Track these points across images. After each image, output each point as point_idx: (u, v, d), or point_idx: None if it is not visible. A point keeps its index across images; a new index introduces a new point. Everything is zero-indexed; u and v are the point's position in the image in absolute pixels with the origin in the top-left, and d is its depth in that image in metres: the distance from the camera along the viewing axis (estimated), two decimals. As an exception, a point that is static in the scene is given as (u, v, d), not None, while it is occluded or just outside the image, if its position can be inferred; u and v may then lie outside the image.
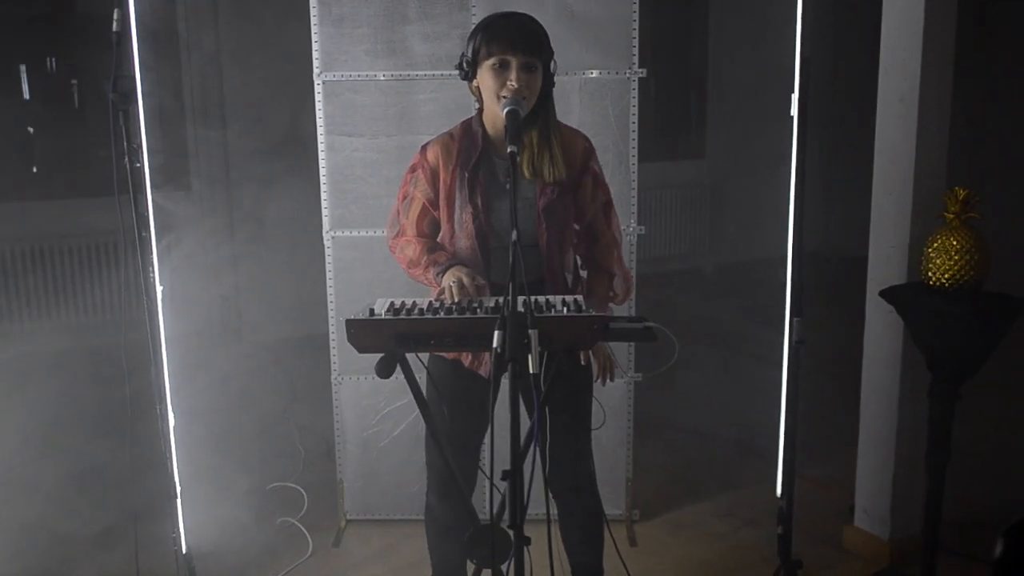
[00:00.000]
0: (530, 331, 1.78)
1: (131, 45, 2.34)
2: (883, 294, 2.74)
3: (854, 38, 4.29)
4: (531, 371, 1.78)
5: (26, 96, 5.52)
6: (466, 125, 2.34)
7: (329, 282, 3.23)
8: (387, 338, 1.95)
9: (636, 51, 3.09)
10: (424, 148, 2.35)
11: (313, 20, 3.08)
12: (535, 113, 2.23)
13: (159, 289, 2.45)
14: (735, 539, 3.35)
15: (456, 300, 2.09)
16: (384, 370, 1.98)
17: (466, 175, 2.26)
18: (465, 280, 2.13)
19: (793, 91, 2.51)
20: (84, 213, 5.31)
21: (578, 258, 2.45)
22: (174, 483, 2.54)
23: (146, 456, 2.69)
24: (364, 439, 3.36)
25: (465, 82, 2.30)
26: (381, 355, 1.99)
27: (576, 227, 2.39)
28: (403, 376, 2.11)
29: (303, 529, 3.39)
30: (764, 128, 7.12)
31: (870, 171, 3.03)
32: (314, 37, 3.09)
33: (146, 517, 2.72)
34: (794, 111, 2.51)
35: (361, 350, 1.98)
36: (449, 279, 2.16)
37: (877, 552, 3.12)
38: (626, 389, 3.32)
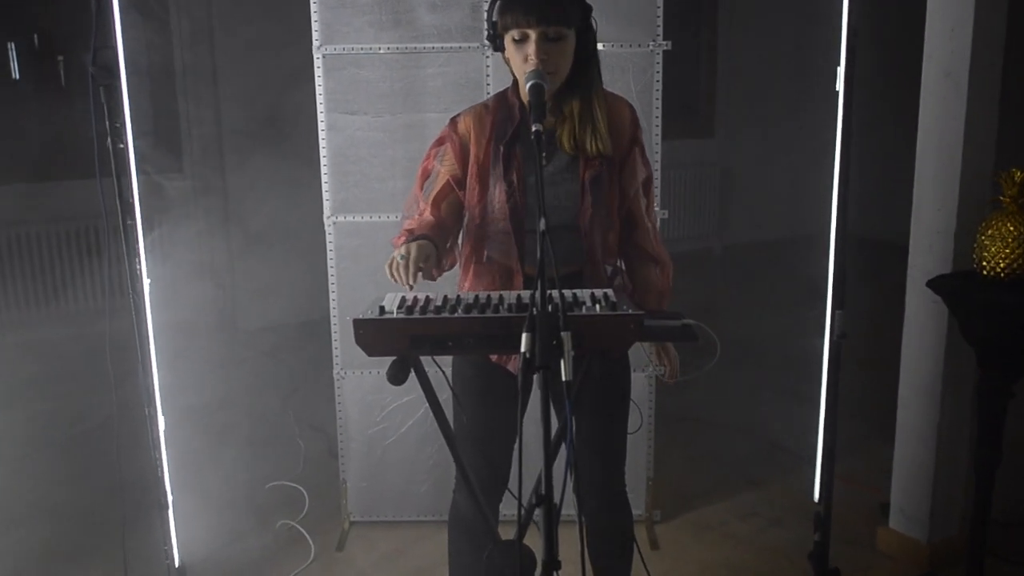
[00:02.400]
0: (562, 333, 1.58)
1: (112, 13, 2.11)
2: (931, 284, 2.55)
3: (893, 5, 4.04)
4: (564, 378, 1.58)
5: (15, 76, 5.26)
6: (501, 96, 2.12)
7: (331, 271, 3.03)
8: (400, 340, 1.75)
9: (661, 22, 2.87)
10: (454, 120, 2.12)
11: (312, -12, 2.86)
12: (575, 80, 2.01)
13: (146, 282, 2.24)
14: (761, 541, 3.17)
15: (397, 278, 1.86)
16: (397, 376, 1.78)
17: (501, 149, 2.04)
18: (411, 261, 1.84)
19: (839, 64, 2.30)
20: (69, 195, 5.07)
21: None
22: (165, 492, 2.34)
23: (135, 459, 2.49)
24: (369, 436, 3.17)
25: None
26: (392, 359, 1.79)
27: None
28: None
29: (304, 532, 3.20)
30: (777, 107, 6.96)
31: (909, 150, 2.83)
32: (313, 7, 2.87)
33: (135, 527, 2.52)
34: (840, 86, 2.30)
35: (371, 353, 1.77)
36: (399, 253, 1.88)
37: (915, 555, 2.95)
38: (647, 382, 3.12)
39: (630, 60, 2.89)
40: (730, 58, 7.07)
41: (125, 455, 2.48)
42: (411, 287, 1.86)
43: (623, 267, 2.25)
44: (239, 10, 5.11)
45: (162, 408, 2.31)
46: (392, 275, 1.87)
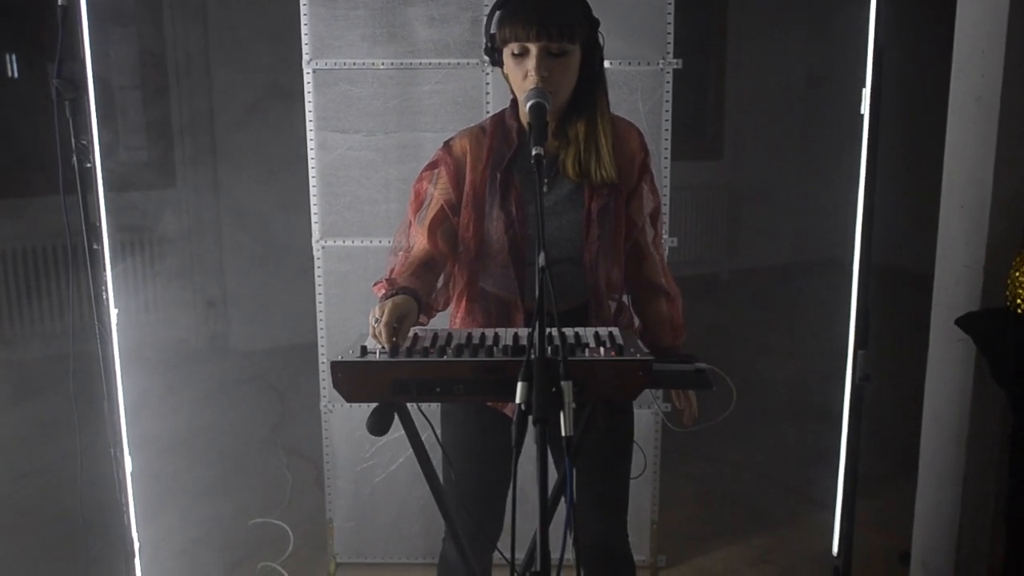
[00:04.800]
0: (563, 383, 1.41)
1: (80, 21, 1.95)
2: (960, 322, 2.37)
3: (917, 24, 3.87)
4: (563, 433, 1.40)
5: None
6: (498, 118, 1.95)
7: (319, 298, 2.86)
8: (383, 386, 1.57)
9: (671, 39, 2.71)
10: (449, 143, 1.95)
11: (303, 1, 2.70)
12: (580, 101, 1.85)
13: (113, 312, 2.07)
14: (772, 591, 2.99)
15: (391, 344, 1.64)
16: (378, 425, 1.61)
17: (498, 176, 1.87)
18: (384, 321, 1.63)
19: (864, 86, 2.13)
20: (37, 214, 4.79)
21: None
22: (132, 539, 2.16)
23: (105, 495, 2.31)
24: (357, 474, 2.99)
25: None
26: (374, 405, 1.62)
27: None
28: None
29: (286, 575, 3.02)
30: (787, 128, 6.80)
31: (930, 176, 2.66)
32: (303, 20, 2.71)
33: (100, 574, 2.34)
34: (865, 108, 2.13)
35: (350, 399, 1.60)
36: (372, 316, 1.67)
37: (937, 612, 2.76)
38: (652, 419, 2.94)
39: (638, 79, 2.73)
40: (739, 78, 6.93)
41: (94, 491, 2.30)
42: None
43: (629, 302, 2.09)
44: (235, 24, 4.98)
45: (129, 449, 2.13)
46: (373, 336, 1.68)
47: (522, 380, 1.41)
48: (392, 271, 1.89)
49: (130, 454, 2.14)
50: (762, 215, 6.89)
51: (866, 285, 2.20)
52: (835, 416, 2.47)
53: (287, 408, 4.44)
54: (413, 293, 1.76)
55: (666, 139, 2.77)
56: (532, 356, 1.42)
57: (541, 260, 1.48)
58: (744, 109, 6.93)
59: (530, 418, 1.39)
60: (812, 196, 6.41)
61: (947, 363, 2.64)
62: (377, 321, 1.64)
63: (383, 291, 1.80)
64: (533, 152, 1.64)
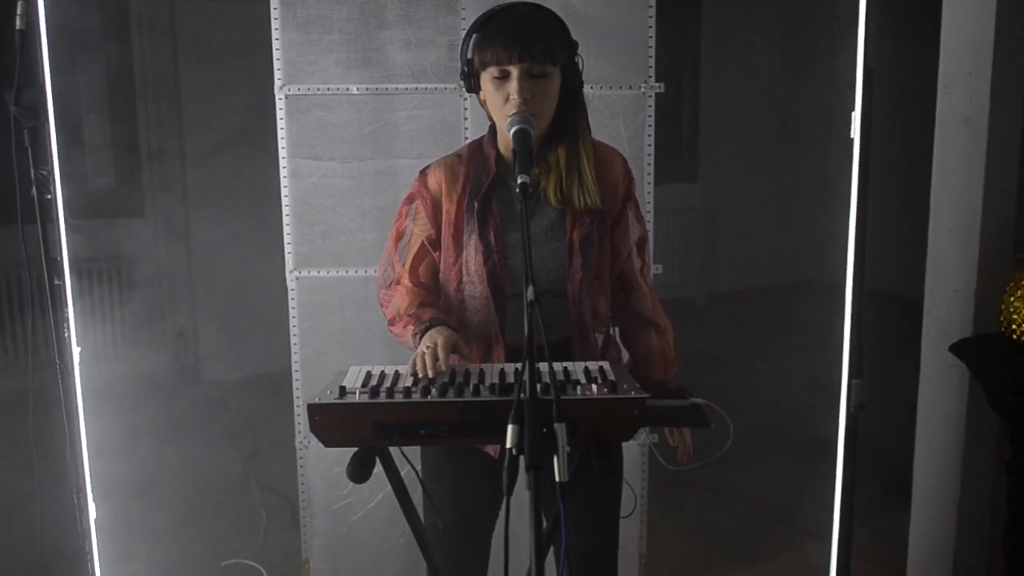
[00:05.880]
0: (556, 425, 1.33)
1: (39, 46, 1.86)
2: (955, 349, 2.32)
3: (902, 45, 3.85)
4: (557, 479, 1.32)
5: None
6: (475, 145, 1.88)
7: (293, 331, 2.75)
8: (363, 429, 1.48)
9: (653, 62, 2.66)
10: (424, 173, 1.89)
11: (274, 24, 2.62)
12: (561, 125, 1.79)
13: (76, 351, 1.96)
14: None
15: (426, 374, 1.62)
16: (358, 472, 1.52)
17: (476, 205, 1.81)
18: (440, 349, 1.66)
19: (853, 109, 2.08)
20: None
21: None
22: (95, 590, 2.05)
23: (60, 545, 2.18)
24: (334, 512, 2.87)
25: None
26: (354, 450, 1.53)
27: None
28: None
29: (260, 620, 2.90)
30: (761, 150, 6.80)
31: (915, 198, 2.63)
32: (275, 44, 2.63)
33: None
34: (855, 132, 2.08)
35: (328, 443, 1.51)
36: (424, 344, 1.69)
37: (933, 645, 2.69)
38: (640, 452, 2.86)
39: (620, 103, 2.67)
40: (712, 100, 6.92)
41: (55, 537, 2.18)
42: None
43: (616, 334, 2.01)
44: (205, 49, 4.88)
45: (93, 495, 2.01)
46: (416, 369, 1.66)
47: (513, 423, 1.32)
48: (404, 306, 1.85)
49: (94, 500, 2.02)
50: (738, 237, 6.87)
51: (860, 313, 2.15)
52: (823, 442, 2.40)
53: (260, 441, 4.31)
54: (448, 325, 1.76)
55: (649, 164, 2.71)
56: (523, 396, 1.34)
57: (530, 294, 1.40)
58: (718, 131, 6.92)
59: (522, 463, 1.31)
60: (788, 218, 6.40)
61: (939, 389, 2.59)
62: (429, 349, 1.65)
63: (411, 327, 1.79)
64: (519, 180, 1.57)
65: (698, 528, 3.55)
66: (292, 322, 2.75)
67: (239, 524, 3.51)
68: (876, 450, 3.42)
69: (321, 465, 2.84)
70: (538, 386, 1.35)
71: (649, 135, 2.70)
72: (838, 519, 2.25)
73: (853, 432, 2.20)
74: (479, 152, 1.86)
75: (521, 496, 1.30)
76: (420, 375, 1.62)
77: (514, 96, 1.70)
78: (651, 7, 2.63)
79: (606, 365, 1.70)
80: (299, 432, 2.82)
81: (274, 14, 2.61)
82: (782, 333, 5.10)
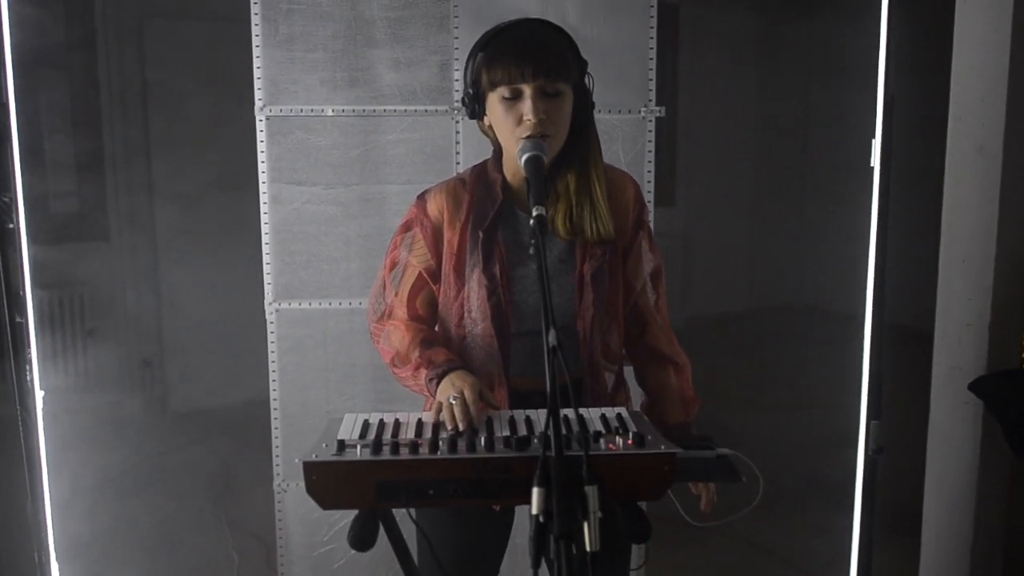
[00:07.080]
0: (587, 488, 1.19)
1: (3, 68, 1.70)
2: (973, 387, 2.21)
3: (914, 69, 3.79)
4: (588, 549, 1.18)
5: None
6: (480, 170, 1.75)
7: (272, 366, 2.59)
8: (366, 489, 1.34)
9: (653, 85, 2.55)
10: (423, 198, 1.75)
11: (255, 41, 2.47)
12: (571, 150, 1.66)
13: (39, 395, 1.78)
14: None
15: (455, 427, 1.48)
16: (362, 539, 1.38)
17: (480, 235, 1.67)
18: (468, 397, 1.52)
19: (874, 136, 1.98)
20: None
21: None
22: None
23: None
24: (314, 560, 2.70)
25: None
26: (355, 513, 1.38)
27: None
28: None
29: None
30: (738, 175, 6.75)
31: (927, 227, 2.54)
32: (256, 62, 2.48)
33: None
34: (875, 160, 1.98)
35: (326, 506, 1.36)
36: (447, 393, 1.55)
37: None
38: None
39: (619, 128, 2.56)
40: (689, 125, 6.87)
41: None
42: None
43: (633, 373, 1.88)
44: (176, 65, 4.71)
45: (56, 553, 1.84)
46: (439, 418, 1.54)
47: (538, 485, 1.18)
48: (406, 344, 1.72)
49: (57, 560, 1.84)
50: (715, 261, 6.81)
51: (879, 352, 2.04)
52: (821, 477, 2.28)
53: (232, 477, 4.11)
54: (466, 368, 1.63)
55: (649, 190, 2.60)
56: (548, 453, 1.20)
57: (552, 339, 1.27)
58: (695, 156, 6.87)
59: (551, 532, 1.17)
60: (765, 243, 6.34)
61: (952, 426, 2.49)
62: (456, 399, 1.51)
63: (423, 370, 1.66)
64: (535, 212, 1.44)
65: (696, 567, 3.41)
66: (271, 357, 2.59)
67: (209, 569, 3.31)
68: (886, 487, 3.34)
69: (301, 508, 2.67)
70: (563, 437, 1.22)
71: (649, 160, 2.59)
72: (856, 562, 2.14)
73: (872, 476, 2.09)
74: (483, 177, 1.73)
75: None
76: (450, 427, 1.48)
77: (528, 117, 1.57)
78: (652, 28, 2.53)
79: (623, 412, 1.57)
80: (277, 475, 2.65)
81: (255, 30, 2.47)
82: (762, 357, 5.00)
